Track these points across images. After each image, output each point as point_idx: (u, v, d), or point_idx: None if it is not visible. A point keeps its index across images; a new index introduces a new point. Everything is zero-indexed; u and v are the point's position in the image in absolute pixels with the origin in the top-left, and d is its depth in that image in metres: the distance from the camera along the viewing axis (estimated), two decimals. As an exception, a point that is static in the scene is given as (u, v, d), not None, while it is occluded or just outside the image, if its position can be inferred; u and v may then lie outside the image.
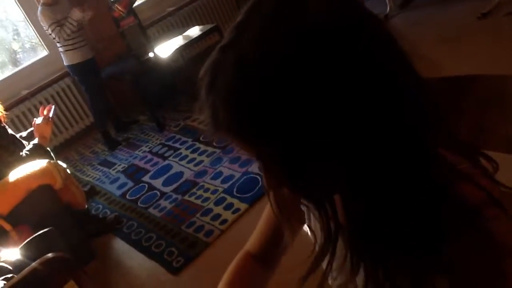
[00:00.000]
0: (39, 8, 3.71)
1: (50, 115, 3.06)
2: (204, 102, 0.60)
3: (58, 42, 3.78)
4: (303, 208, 0.87)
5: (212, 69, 0.58)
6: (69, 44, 3.77)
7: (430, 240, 0.57)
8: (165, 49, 4.16)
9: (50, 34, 3.73)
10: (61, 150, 4.36)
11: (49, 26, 3.66)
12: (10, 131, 2.93)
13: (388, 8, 4.54)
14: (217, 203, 2.85)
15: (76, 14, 3.66)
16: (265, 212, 1.01)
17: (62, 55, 3.89)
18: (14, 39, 4.93)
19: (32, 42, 4.80)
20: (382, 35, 0.57)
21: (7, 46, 4.74)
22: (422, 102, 0.58)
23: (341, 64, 0.52)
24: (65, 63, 3.93)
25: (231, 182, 2.98)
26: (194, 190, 3.07)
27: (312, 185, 0.61)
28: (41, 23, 3.76)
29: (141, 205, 3.14)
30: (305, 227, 0.91)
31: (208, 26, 4.35)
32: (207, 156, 3.39)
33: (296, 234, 0.92)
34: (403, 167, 0.56)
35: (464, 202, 0.57)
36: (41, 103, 4.34)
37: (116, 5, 3.73)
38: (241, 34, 0.56)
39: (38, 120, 2.99)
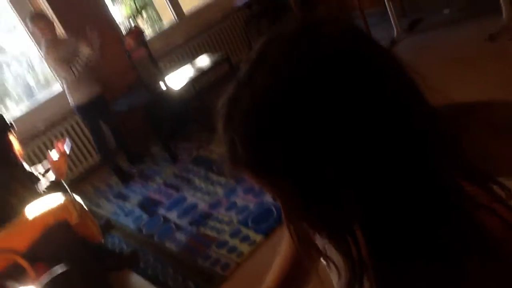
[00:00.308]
0: (43, 48, 3.75)
1: (66, 149, 3.10)
2: (222, 137, 0.61)
3: (63, 79, 3.82)
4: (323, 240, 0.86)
5: (228, 105, 0.59)
6: (69, 86, 3.82)
7: (453, 271, 0.56)
8: (176, 79, 4.22)
9: (55, 72, 3.76)
10: (76, 184, 4.40)
11: (54, 65, 3.70)
12: (27, 167, 2.97)
13: (395, 32, 4.57)
14: (232, 234, 2.84)
15: (85, 50, 3.71)
16: (283, 246, 1.00)
17: (68, 96, 3.92)
18: (29, 72, 5.05)
19: (46, 76, 4.90)
20: (393, 67, 0.58)
21: (22, 81, 4.83)
22: (434, 131, 0.58)
23: (355, 97, 0.53)
24: (71, 104, 3.97)
25: (245, 213, 2.98)
26: (209, 221, 3.07)
27: (331, 218, 0.61)
28: (46, 62, 3.79)
29: (157, 239, 3.14)
30: (324, 261, 0.90)
31: (218, 56, 4.41)
32: (221, 186, 3.40)
33: (316, 268, 0.92)
34: (420, 197, 0.56)
35: (486, 232, 0.56)
36: (56, 138, 4.40)
37: (127, 37, 3.81)
38: (256, 70, 0.57)
39: (54, 155, 3.03)
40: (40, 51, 3.79)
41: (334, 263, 0.79)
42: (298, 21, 0.61)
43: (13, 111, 4.67)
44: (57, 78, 3.86)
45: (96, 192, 4.26)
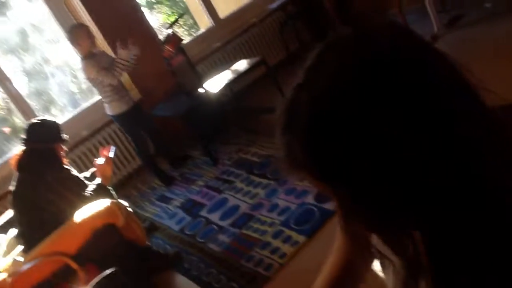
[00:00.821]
0: (82, 63, 3.85)
1: (110, 155, 3.19)
2: (281, 141, 0.63)
3: (104, 93, 3.93)
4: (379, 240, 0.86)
5: (288, 109, 0.61)
6: (112, 95, 3.92)
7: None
8: (215, 84, 4.27)
9: (99, 84, 3.87)
10: (120, 187, 4.51)
11: (94, 79, 3.81)
12: (74, 172, 3.07)
13: (435, 28, 4.48)
14: (275, 236, 2.86)
15: (123, 53, 3.80)
16: (335, 246, 1.01)
17: (105, 106, 4.04)
18: (72, 81, 5.23)
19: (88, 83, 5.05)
20: (449, 70, 0.59)
21: (66, 90, 5.01)
22: (491, 133, 0.58)
23: (412, 102, 0.54)
24: (108, 113, 4.08)
25: (287, 214, 2.99)
26: (251, 223, 3.09)
27: (388, 221, 0.61)
28: (86, 75, 3.87)
29: (200, 240, 3.19)
30: (376, 264, 0.90)
31: (255, 59, 4.44)
32: (262, 188, 3.42)
33: (369, 269, 0.92)
34: (476, 202, 0.56)
35: None
36: (100, 143, 4.54)
37: (165, 45, 3.88)
38: (314, 74, 0.59)
39: (99, 161, 3.13)
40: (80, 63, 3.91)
41: (390, 261, 0.79)
42: (353, 28, 0.62)
43: (58, 119, 4.83)
44: (98, 90, 3.96)
45: (139, 195, 4.36)
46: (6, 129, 5.35)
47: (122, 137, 4.70)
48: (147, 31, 4.83)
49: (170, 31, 3.88)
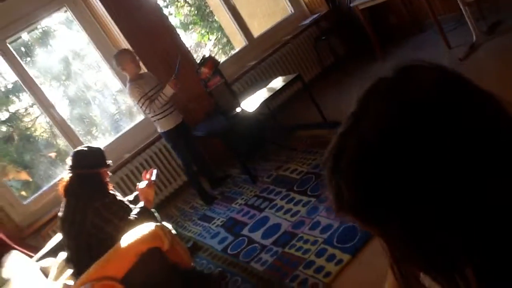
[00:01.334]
0: (128, 85, 4.03)
1: (153, 178, 3.26)
2: (328, 183, 0.64)
3: (148, 113, 4.07)
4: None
5: (335, 154, 0.63)
6: (161, 113, 4.04)
7: None
8: (251, 102, 4.31)
9: (141, 107, 4.02)
10: (162, 208, 4.59)
11: (139, 101, 3.96)
12: (118, 196, 3.15)
13: (474, 37, 4.39)
14: (318, 254, 2.84)
15: (170, 90, 3.93)
16: (386, 286, 1.00)
17: (155, 124, 4.19)
18: (112, 103, 5.39)
19: (127, 104, 5.21)
20: (493, 106, 0.59)
21: (107, 113, 5.16)
22: None
23: (457, 142, 0.54)
24: (159, 131, 4.24)
25: (330, 232, 2.97)
26: (294, 241, 3.09)
27: (439, 259, 0.61)
28: (131, 98, 4.07)
29: (243, 259, 3.20)
30: None
31: (291, 76, 4.46)
32: (303, 205, 3.41)
33: None
34: None
35: None
36: (141, 165, 4.65)
37: (202, 68, 3.96)
38: (360, 119, 0.61)
39: (142, 184, 3.20)
40: (125, 87, 4.06)
41: None
42: (394, 69, 0.63)
43: (100, 142, 5.00)
44: (141, 110, 4.11)
45: (181, 214, 4.42)
46: (52, 154, 5.56)
47: (162, 158, 4.80)
48: (186, 56, 4.92)
49: (207, 53, 3.94)
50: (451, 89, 0.58)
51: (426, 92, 0.58)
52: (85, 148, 3.17)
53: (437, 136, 0.55)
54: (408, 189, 0.55)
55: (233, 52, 5.82)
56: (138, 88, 3.95)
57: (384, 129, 0.57)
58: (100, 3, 4.57)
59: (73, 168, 3.08)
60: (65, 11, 4.81)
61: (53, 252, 3.43)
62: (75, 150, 3.18)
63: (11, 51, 4.46)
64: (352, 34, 5.66)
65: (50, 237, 3.86)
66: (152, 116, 4.10)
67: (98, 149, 3.19)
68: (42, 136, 6.32)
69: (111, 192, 3.09)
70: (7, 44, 4.44)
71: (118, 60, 4.02)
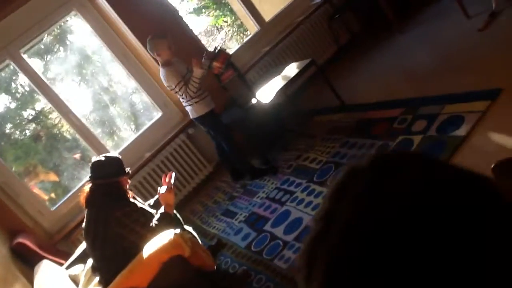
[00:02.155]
0: (162, 70, 3.94)
1: (172, 182, 3.28)
2: (300, 272, 0.60)
3: (183, 99, 4.02)
4: None
5: (307, 262, 0.59)
6: (197, 96, 4.00)
7: None
8: (266, 92, 4.26)
9: (177, 92, 3.97)
10: (186, 204, 4.64)
11: (177, 84, 3.89)
12: (139, 204, 3.18)
13: (493, 4, 4.19)
14: (340, 250, 2.81)
15: (198, 71, 3.84)
16: None
17: (189, 109, 4.10)
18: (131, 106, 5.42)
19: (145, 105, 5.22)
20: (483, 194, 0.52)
21: (126, 114, 5.20)
22: None
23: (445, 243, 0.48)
24: (193, 116, 4.14)
25: (351, 226, 2.93)
26: (315, 237, 3.06)
27: None
28: (167, 83, 3.96)
29: (266, 257, 3.21)
30: None
31: (304, 62, 4.37)
32: (323, 198, 3.37)
33: None
34: None
35: None
36: (163, 162, 4.68)
37: (214, 62, 3.90)
38: (328, 226, 0.56)
39: (162, 190, 3.22)
40: (161, 76, 4.00)
41: None
42: (370, 158, 0.58)
43: (121, 143, 5.05)
44: (178, 95, 4.04)
45: (205, 210, 4.45)
46: (77, 155, 5.66)
47: (182, 154, 4.82)
48: (200, 51, 4.87)
49: (216, 49, 3.89)
50: (432, 194, 0.51)
51: (406, 186, 0.52)
52: (103, 158, 3.20)
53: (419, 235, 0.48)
54: None
55: (247, 34, 5.73)
56: (175, 72, 3.90)
57: (353, 241, 0.53)
58: (107, 3, 4.55)
59: (92, 178, 3.12)
60: (75, 15, 4.81)
61: (81, 259, 3.52)
62: (93, 160, 3.21)
63: (25, 62, 4.50)
64: (367, 9, 5.48)
65: (79, 241, 3.95)
66: (188, 100, 4.02)
67: (116, 157, 3.22)
68: (69, 132, 6.42)
69: (132, 200, 3.13)
70: (21, 54, 4.48)
71: (155, 45, 3.92)
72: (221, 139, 4.22)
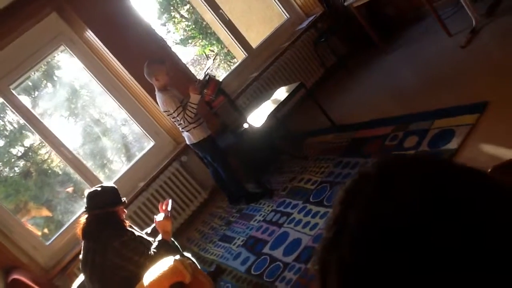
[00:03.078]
0: (160, 95, 3.97)
1: (169, 209, 3.27)
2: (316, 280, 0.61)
3: (180, 125, 4.04)
4: None
5: (321, 272, 0.59)
6: (195, 122, 4.01)
7: None
8: (258, 116, 4.30)
9: (174, 118, 3.99)
10: (182, 232, 4.61)
11: (176, 109, 3.91)
12: (136, 232, 3.16)
13: (473, 21, 4.31)
14: (341, 268, 2.80)
15: (194, 97, 3.89)
16: None
17: (187, 135, 4.10)
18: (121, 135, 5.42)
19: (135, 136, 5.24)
20: (489, 194, 0.52)
21: (118, 145, 5.20)
22: None
23: (453, 242, 0.48)
24: (191, 142, 4.13)
25: (350, 244, 2.93)
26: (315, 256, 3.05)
27: None
28: (165, 107, 3.98)
29: (267, 279, 3.19)
30: None
31: (293, 86, 4.43)
32: (320, 217, 3.39)
33: None
34: None
35: None
36: (157, 191, 4.67)
37: (205, 90, 3.94)
38: (339, 233, 0.56)
39: (159, 217, 3.20)
40: (159, 100, 4.03)
41: None
42: (375, 166, 0.59)
43: (114, 174, 5.03)
44: (175, 120, 4.06)
45: (202, 237, 4.43)
46: (69, 189, 5.62)
47: (176, 182, 4.81)
48: (190, 80, 4.92)
49: (206, 76, 3.94)
50: (442, 200, 0.51)
51: (413, 189, 0.53)
52: (99, 188, 3.18)
53: (428, 244, 0.49)
54: None
55: (234, 62, 5.82)
56: (174, 97, 3.93)
57: (363, 252, 0.52)
58: (96, 37, 4.60)
59: (88, 209, 3.10)
60: (63, 51, 4.85)
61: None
62: (89, 191, 3.19)
63: (16, 97, 4.51)
64: (351, 32, 5.60)
65: (76, 276, 3.89)
66: (186, 126, 4.03)
67: (112, 187, 3.20)
68: (59, 166, 6.38)
69: (129, 229, 3.11)
70: (11, 90, 4.49)
71: (155, 70, 3.95)
72: (218, 164, 4.23)
